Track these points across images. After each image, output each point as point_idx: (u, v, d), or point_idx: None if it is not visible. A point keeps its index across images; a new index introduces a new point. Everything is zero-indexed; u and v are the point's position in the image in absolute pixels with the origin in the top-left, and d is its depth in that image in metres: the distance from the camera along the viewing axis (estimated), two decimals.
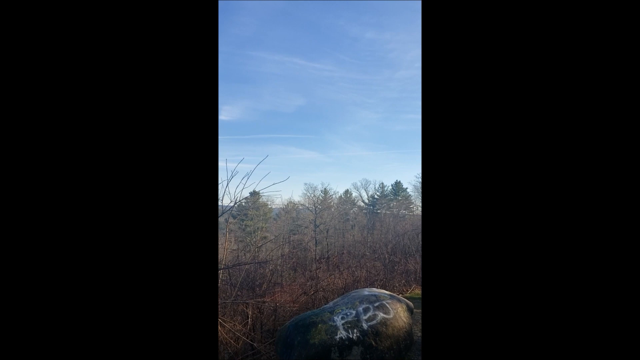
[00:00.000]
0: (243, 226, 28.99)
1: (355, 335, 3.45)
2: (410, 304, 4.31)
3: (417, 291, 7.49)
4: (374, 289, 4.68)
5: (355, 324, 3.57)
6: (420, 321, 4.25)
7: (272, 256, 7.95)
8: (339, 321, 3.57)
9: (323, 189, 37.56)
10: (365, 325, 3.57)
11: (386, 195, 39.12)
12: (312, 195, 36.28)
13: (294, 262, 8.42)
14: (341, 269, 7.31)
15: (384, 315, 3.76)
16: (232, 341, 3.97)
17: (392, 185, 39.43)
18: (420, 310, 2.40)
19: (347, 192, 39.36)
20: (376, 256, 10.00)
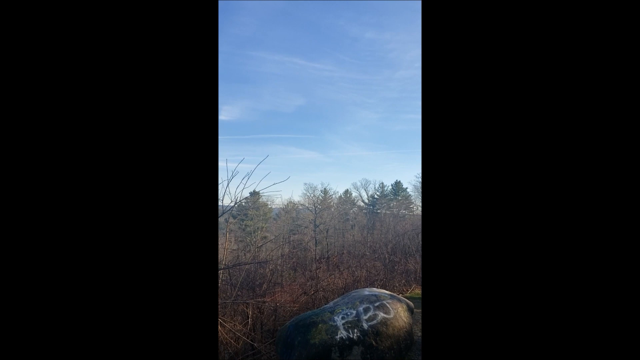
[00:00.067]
0: (243, 226, 28.99)
1: (355, 335, 3.45)
2: (411, 303, 4.31)
3: (417, 291, 7.49)
4: (374, 289, 4.68)
5: (355, 323, 3.57)
6: (420, 321, 4.25)
7: (272, 256, 7.95)
8: (339, 321, 3.58)
9: (323, 189, 37.61)
10: (365, 325, 3.57)
11: (386, 195, 39.12)
12: (312, 195, 36.31)
13: (294, 262, 8.43)
14: (341, 269, 7.32)
15: (385, 315, 3.76)
16: (232, 341, 3.97)
17: (392, 185, 39.46)
18: (421, 310, 2.40)
19: (347, 192, 39.39)
20: (376, 256, 10.01)
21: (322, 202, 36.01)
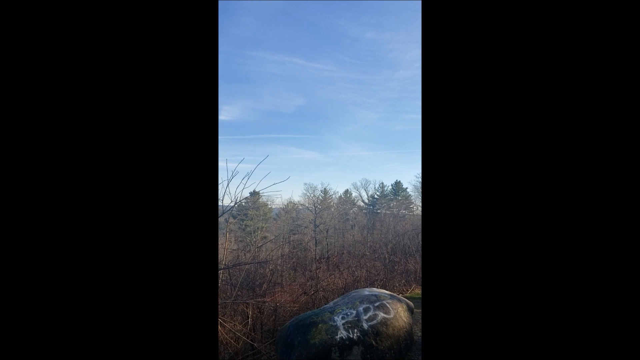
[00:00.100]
0: (243, 226, 28.99)
1: (355, 335, 3.45)
2: (411, 303, 4.31)
3: (417, 291, 7.49)
4: (374, 289, 4.68)
5: (355, 323, 3.57)
6: (420, 321, 4.25)
7: (272, 256, 7.95)
8: (339, 321, 3.58)
9: (323, 189, 37.60)
10: (365, 325, 3.57)
11: (386, 195, 39.12)
12: (312, 195, 36.30)
13: (294, 262, 8.43)
14: (341, 269, 7.32)
15: (385, 315, 3.76)
16: (232, 341, 3.97)
17: (392, 185, 39.45)
18: (421, 310, 2.40)
19: (347, 192, 39.38)
20: (376, 256, 10.01)
21: (322, 202, 36.00)
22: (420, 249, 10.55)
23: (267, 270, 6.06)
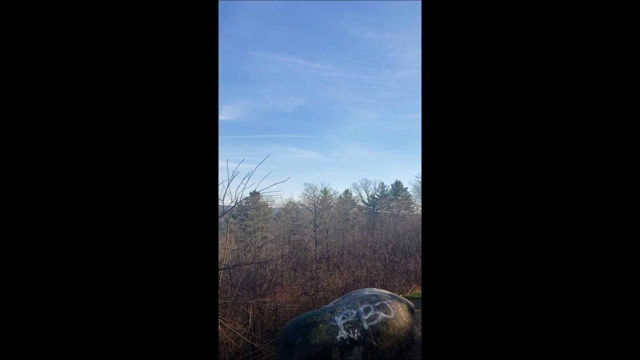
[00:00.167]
0: (243, 226, 29.00)
1: (356, 335, 3.45)
2: (411, 303, 4.31)
3: (417, 291, 7.49)
4: (375, 289, 4.68)
5: (356, 324, 3.57)
6: (420, 321, 4.25)
7: (273, 256, 7.95)
8: (339, 321, 3.58)
9: (323, 189, 37.61)
10: (366, 325, 3.57)
11: (386, 195, 39.12)
12: (312, 195, 36.31)
13: (294, 262, 8.42)
14: (341, 269, 7.32)
15: (385, 315, 3.76)
16: (232, 341, 3.97)
17: (392, 185, 39.46)
18: (421, 310, 2.40)
19: (347, 192, 39.39)
20: (376, 256, 10.00)
21: (322, 202, 36.01)
22: (420, 249, 10.55)
23: (268, 270, 6.06)
